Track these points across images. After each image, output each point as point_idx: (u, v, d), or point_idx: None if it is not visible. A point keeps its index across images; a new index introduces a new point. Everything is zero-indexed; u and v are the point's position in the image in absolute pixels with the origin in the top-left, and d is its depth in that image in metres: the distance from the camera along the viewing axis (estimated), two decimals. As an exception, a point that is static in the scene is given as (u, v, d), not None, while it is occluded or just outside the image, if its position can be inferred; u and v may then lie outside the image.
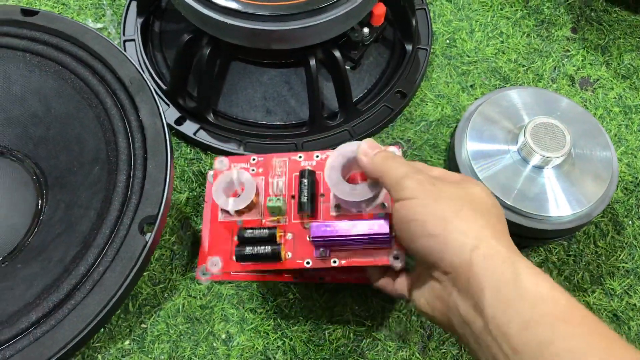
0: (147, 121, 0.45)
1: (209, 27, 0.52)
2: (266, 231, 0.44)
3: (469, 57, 0.65)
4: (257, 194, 0.46)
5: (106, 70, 0.47)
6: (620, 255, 0.56)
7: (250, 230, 0.44)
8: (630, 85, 0.65)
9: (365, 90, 0.61)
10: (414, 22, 0.62)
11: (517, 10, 0.69)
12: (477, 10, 0.69)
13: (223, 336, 0.51)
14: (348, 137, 0.59)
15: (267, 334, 0.51)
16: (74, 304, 0.39)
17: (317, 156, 0.47)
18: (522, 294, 0.32)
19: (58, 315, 0.38)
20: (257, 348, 0.51)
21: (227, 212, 0.45)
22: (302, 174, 0.45)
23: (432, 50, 0.65)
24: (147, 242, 0.41)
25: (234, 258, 0.44)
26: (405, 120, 0.62)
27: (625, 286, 0.54)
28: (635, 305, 0.53)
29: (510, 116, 0.54)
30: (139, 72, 0.47)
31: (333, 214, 0.44)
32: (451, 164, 0.55)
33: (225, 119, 0.60)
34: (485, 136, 0.54)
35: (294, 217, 0.45)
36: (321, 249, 0.43)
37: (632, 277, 0.55)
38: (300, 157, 0.47)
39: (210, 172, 0.46)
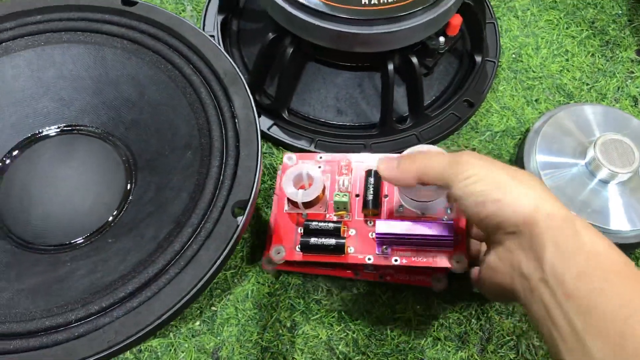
0: (240, 112, 0.47)
1: (295, 27, 0.55)
2: (331, 225, 0.46)
3: (534, 72, 0.67)
4: (323, 189, 0.47)
5: (201, 61, 0.50)
6: (678, 274, 0.57)
7: (316, 223, 0.46)
8: (693, 109, 0.66)
9: (434, 97, 0.63)
10: (484, 35, 0.64)
11: (582, 30, 0.71)
12: (543, 27, 0.70)
13: (289, 324, 0.53)
14: (415, 141, 0.61)
15: (331, 325, 0.53)
16: (169, 278, 0.41)
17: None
18: (580, 247, 0.34)
19: (154, 287, 0.40)
20: (320, 338, 0.53)
21: (294, 204, 0.47)
22: (368, 173, 0.48)
23: (499, 64, 0.67)
24: (238, 225, 0.43)
25: (298, 248, 0.46)
26: (471, 129, 0.63)
27: (682, 304, 0.55)
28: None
29: (581, 130, 0.56)
30: (233, 65, 0.49)
31: (397, 215, 0.46)
32: (518, 173, 0.57)
33: (298, 116, 0.62)
34: (554, 148, 0.55)
35: (357, 215, 0.47)
36: (384, 247, 0.45)
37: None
38: (363, 160, 0.49)
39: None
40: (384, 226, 0.44)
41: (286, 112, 0.61)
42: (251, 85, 0.60)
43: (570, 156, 0.55)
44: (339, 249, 0.45)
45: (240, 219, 0.43)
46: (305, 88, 0.62)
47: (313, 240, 0.45)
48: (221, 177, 0.45)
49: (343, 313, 0.54)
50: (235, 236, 0.42)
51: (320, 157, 0.51)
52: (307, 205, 0.47)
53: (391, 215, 0.47)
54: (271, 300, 0.54)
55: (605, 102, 0.66)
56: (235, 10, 0.67)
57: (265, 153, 0.61)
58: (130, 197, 0.49)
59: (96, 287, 0.42)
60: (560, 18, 0.71)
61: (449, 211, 0.45)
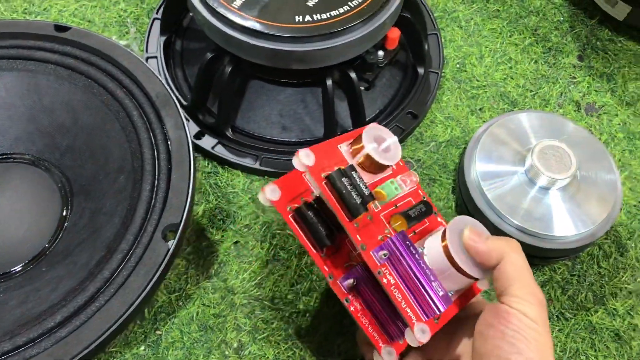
0: (172, 134, 0.47)
1: (232, 47, 0.55)
2: (368, 192, 0.40)
3: (478, 81, 0.68)
4: (385, 169, 0.44)
5: (133, 84, 0.50)
6: (623, 276, 0.57)
7: (359, 176, 0.41)
8: (634, 112, 0.67)
9: (378, 111, 0.63)
10: (426, 46, 0.64)
11: (525, 37, 0.71)
12: (487, 36, 0.71)
13: (235, 345, 0.53)
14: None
15: (278, 344, 0.53)
16: (98, 305, 0.40)
17: (436, 213, 0.46)
18: None
19: (82, 316, 0.40)
20: (267, 357, 0.52)
21: (355, 152, 0.42)
22: (424, 202, 0.45)
23: (442, 74, 0.67)
24: (169, 249, 0.42)
25: (324, 175, 0.40)
26: (416, 141, 0.64)
27: (627, 307, 0.56)
28: (637, 325, 0.55)
29: (519, 138, 0.56)
30: (165, 87, 0.49)
31: (419, 249, 0.42)
32: (460, 183, 0.57)
33: (243, 134, 0.62)
34: (493, 157, 0.56)
35: (384, 214, 0.43)
36: (383, 252, 0.40)
37: (634, 298, 0.56)
38: (424, 197, 0.47)
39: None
40: (406, 239, 0.40)
41: (230, 130, 0.60)
42: (193, 105, 0.60)
43: (510, 164, 0.55)
44: (355, 211, 0.39)
45: (172, 243, 0.43)
46: (249, 106, 0.62)
47: (345, 181, 0.39)
48: (152, 201, 0.44)
49: (290, 330, 0.53)
50: (165, 261, 0.42)
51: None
52: (366, 163, 0.42)
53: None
54: (217, 322, 0.53)
55: (548, 108, 0.66)
56: (178, 31, 0.67)
57: (210, 172, 0.61)
58: (66, 224, 0.49)
59: (26, 318, 0.41)
60: (504, 26, 0.72)
61: (450, 294, 0.42)
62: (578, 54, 0.71)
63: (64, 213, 0.49)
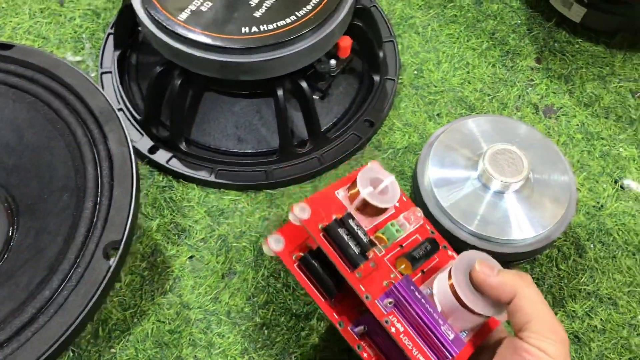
0: (115, 150, 0.47)
1: (180, 60, 0.55)
2: (367, 239, 0.40)
3: (435, 87, 0.68)
4: (386, 211, 0.44)
5: (77, 101, 0.49)
6: (581, 278, 0.57)
7: (357, 225, 0.40)
8: (592, 112, 0.67)
9: (335, 119, 0.63)
10: (381, 54, 0.64)
11: (482, 41, 0.72)
12: (444, 42, 0.71)
13: (191, 360, 0.52)
14: (317, 165, 0.61)
15: (235, 359, 0.52)
16: (37, 327, 0.40)
17: (445, 246, 0.46)
18: None
19: (21, 338, 0.39)
20: (225, 372, 0.52)
21: (352, 198, 0.42)
22: (430, 240, 0.44)
23: (400, 81, 0.67)
24: (110, 267, 0.42)
25: (321, 227, 0.40)
26: (374, 148, 0.64)
27: (586, 308, 0.56)
28: (596, 326, 0.55)
29: (471, 143, 0.56)
30: (109, 102, 0.49)
31: (422, 288, 0.42)
32: (415, 190, 0.57)
33: (198, 147, 0.61)
34: (446, 164, 0.55)
35: (388, 257, 0.43)
36: (389, 300, 0.39)
37: (593, 299, 0.56)
38: (432, 232, 0.46)
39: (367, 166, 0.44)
40: (410, 284, 0.39)
41: (184, 143, 0.60)
42: (146, 119, 0.60)
43: (463, 170, 0.55)
44: (354, 262, 0.39)
45: (113, 260, 0.42)
46: (204, 118, 0.61)
47: (342, 231, 0.39)
48: (94, 219, 0.44)
49: (247, 344, 0.53)
50: (106, 279, 0.41)
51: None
52: (363, 207, 0.42)
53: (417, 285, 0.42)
54: (172, 338, 0.53)
55: (506, 112, 0.66)
56: (134, 45, 0.67)
57: (165, 186, 0.60)
58: (11, 244, 0.48)
59: (-33, 342, 0.40)
60: (461, 31, 0.72)
61: (463, 334, 0.41)
62: (536, 56, 0.71)
63: (10, 233, 0.48)
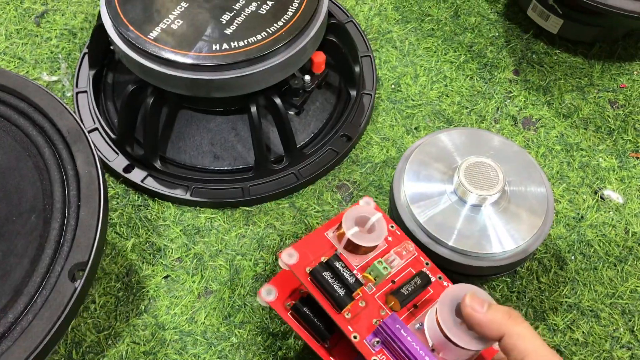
0: (82, 170, 0.46)
1: (152, 78, 0.54)
2: (353, 279, 0.41)
3: (413, 100, 0.67)
4: (373, 249, 0.45)
5: (46, 121, 0.49)
6: (563, 290, 0.56)
7: (343, 266, 0.41)
8: (571, 124, 0.67)
9: (312, 135, 0.63)
10: (357, 68, 0.64)
11: (460, 54, 0.72)
12: (422, 55, 0.71)
13: (166, 382, 0.51)
14: (295, 180, 0.60)
15: (211, 379, 0.51)
16: (0, 352, 0.39)
17: (440, 277, 0.46)
18: None
19: (-16, 364, 0.38)
20: (200, 394, 0.51)
21: (339, 238, 0.44)
22: (421, 273, 0.44)
23: (377, 95, 0.67)
24: (76, 289, 0.41)
25: (308, 270, 0.41)
26: (352, 163, 0.63)
27: (568, 321, 0.55)
28: (577, 340, 0.54)
29: (445, 158, 0.56)
30: (77, 122, 0.48)
31: (410, 327, 0.42)
32: (392, 205, 0.56)
33: (174, 165, 0.61)
34: (422, 178, 0.55)
35: (379, 296, 0.43)
36: (376, 339, 0.40)
37: (574, 311, 0.55)
38: (427, 263, 0.46)
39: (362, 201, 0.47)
40: (396, 323, 0.40)
41: (159, 161, 0.60)
42: (120, 138, 0.59)
43: (439, 184, 0.55)
44: (340, 304, 0.40)
45: (79, 282, 0.41)
46: (180, 136, 0.61)
47: (327, 274, 0.40)
48: (61, 240, 0.43)
49: (223, 365, 0.52)
50: (72, 301, 0.41)
51: (392, 227, 0.48)
52: (350, 246, 0.44)
53: (405, 324, 0.42)
54: None
55: (484, 124, 0.66)
56: (110, 64, 0.67)
57: (140, 205, 0.59)
58: (-21, 268, 0.47)
59: None
60: (439, 45, 0.72)
61: None
62: (514, 68, 0.71)
63: (-21, 256, 0.48)
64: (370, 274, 0.43)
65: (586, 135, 0.66)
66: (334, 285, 0.40)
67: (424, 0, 0.76)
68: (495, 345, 0.40)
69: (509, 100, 0.68)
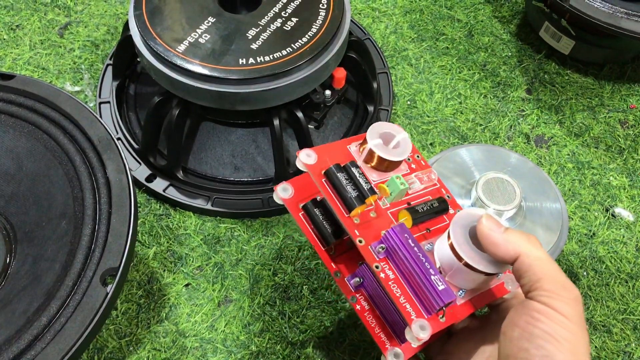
0: (113, 178, 0.47)
1: (178, 90, 0.56)
2: (368, 186, 0.39)
3: (428, 117, 0.69)
4: (397, 166, 0.43)
5: (76, 130, 0.50)
6: (575, 305, 0.57)
7: (359, 172, 0.40)
8: (582, 142, 0.68)
9: (330, 148, 0.64)
10: (375, 84, 0.66)
11: (474, 73, 0.73)
12: (437, 73, 0.73)
13: (186, 389, 0.52)
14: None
15: (230, 387, 0.52)
16: (34, 354, 0.40)
17: (459, 211, 0.43)
18: None
19: (18, 365, 0.39)
20: (220, 401, 0.52)
21: (361, 151, 0.42)
22: (439, 198, 0.43)
23: (393, 111, 0.69)
24: (107, 294, 0.42)
25: (323, 172, 0.40)
26: (368, 177, 0.64)
27: (580, 336, 0.56)
28: (590, 355, 0.55)
29: (463, 172, 0.57)
30: (108, 131, 0.49)
31: (427, 245, 0.41)
32: (409, 217, 0.58)
33: (195, 176, 0.62)
34: (440, 191, 0.56)
35: (392, 210, 0.41)
36: (381, 246, 0.38)
37: (587, 326, 0.56)
38: (448, 196, 0.45)
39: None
40: (404, 232, 0.38)
41: (181, 172, 0.61)
42: (144, 148, 0.61)
43: (457, 198, 0.56)
44: (350, 205, 0.38)
45: (110, 287, 0.42)
46: (202, 147, 0.62)
47: (342, 175, 0.39)
48: (92, 246, 0.44)
49: (242, 373, 0.53)
50: (104, 306, 0.42)
51: (417, 157, 0.46)
52: (371, 158, 0.42)
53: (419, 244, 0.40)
54: (168, 366, 0.53)
55: (498, 142, 0.68)
56: (132, 76, 0.68)
57: (162, 215, 0.60)
58: (8, 271, 0.48)
59: (-38, 370, 0.40)
60: (453, 63, 0.74)
61: (460, 293, 0.39)
62: (526, 87, 0.73)
63: (8, 260, 0.49)
64: (387, 187, 0.41)
65: (597, 154, 0.68)
66: (347, 187, 0.39)
67: (438, 19, 0.78)
68: (510, 287, 0.40)
69: (521, 119, 0.70)
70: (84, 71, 0.70)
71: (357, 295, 0.42)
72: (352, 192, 0.39)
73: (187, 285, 0.57)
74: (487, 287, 0.41)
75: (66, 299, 0.42)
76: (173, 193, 0.61)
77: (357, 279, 0.41)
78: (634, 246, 0.61)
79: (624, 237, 0.62)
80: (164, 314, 0.55)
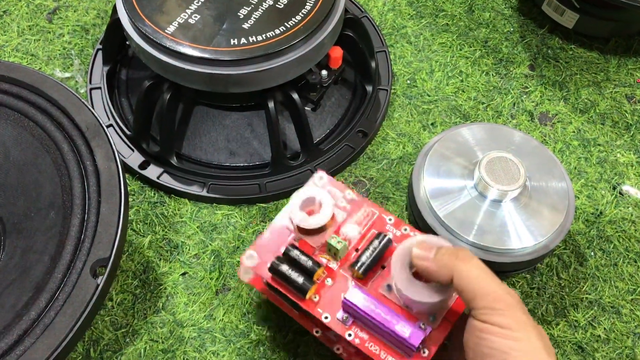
0: (102, 165, 0.46)
1: (169, 73, 0.54)
2: (310, 263, 0.42)
3: (429, 96, 0.67)
4: (328, 226, 0.44)
5: (64, 116, 0.48)
6: (583, 286, 0.56)
7: (297, 253, 0.42)
8: (588, 119, 0.66)
9: (328, 131, 0.62)
10: (373, 64, 0.64)
11: (475, 49, 0.71)
12: (437, 51, 0.71)
13: (185, 380, 0.51)
14: (310, 176, 0.60)
15: (230, 377, 0.51)
16: (24, 349, 0.39)
17: (406, 229, 0.45)
18: None
19: (7, 361, 0.38)
20: (219, 391, 0.50)
21: (291, 222, 0.44)
22: (378, 235, 0.43)
23: (393, 91, 0.67)
24: (98, 285, 0.41)
25: (267, 266, 0.42)
26: (368, 159, 0.63)
27: (589, 317, 0.54)
28: (599, 336, 0.53)
29: (465, 152, 0.55)
30: (96, 117, 0.48)
31: (381, 291, 0.42)
32: (411, 201, 0.56)
33: (189, 162, 0.60)
34: (442, 173, 0.54)
35: (344, 269, 0.43)
36: (345, 315, 0.41)
37: (595, 308, 0.55)
38: (390, 219, 0.46)
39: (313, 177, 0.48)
40: (355, 294, 0.40)
41: (175, 158, 0.59)
42: (136, 134, 0.59)
43: (459, 179, 0.54)
44: (302, 291, 0.41)
45: (101, 279, 0.41)
46: (195, 132, 0.60)
47: (284, 267, 0.41)
48: (82, 236, 0.43)
49: (242, 362, 0.51)
50: (94, 298, 0.40)
51: (349, 194, 0.47)
52: (304, 231, 0.44)
53: (375, 288, 0.42)
54: (166, 357, 0.51)
55: (501, 120, 0.66)
56: (124, 60, 0.66)
57: (156, 202, 0.59)
58: (-2, 264, 0.47)
59: (-50, 367, 0.39)
60: (454, 40, 0.72)
61: (431, 319, 0.41)
62: (529, 63, 0.71)
63: (-3, 253, 0.47)
64: (329, 251, 0.43)
65: (603, 131, 0.66)
66: (292, 275, 0.41)
67: (438, -5, 0.76)
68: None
69: (525, 96, 0.68)
70: (74, 57, 0.68)
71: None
72: (298, 279, 0.41)
73: (183, 274, 0.55)
74: (452, 302, 0.42)
75: (55, 291, 0.41)
76: (167, 180, 0.59)
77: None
78: (642, 224, 0.59)
79: (632, 215, 0.60)
80: (161, 304, 0.54)
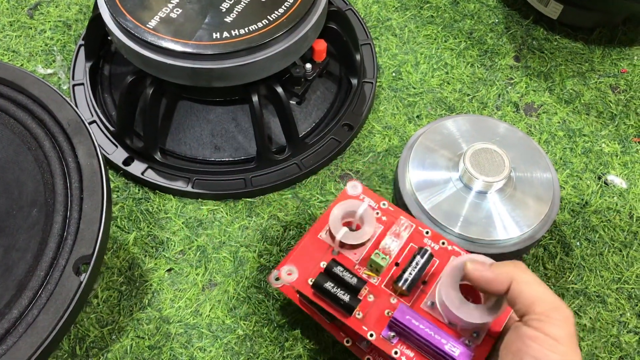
0: (84, 162, 0.45)
1: (151, 68, 0.53)
2: (355, 280, 0.41)
3: (414, 88, 0.67)
4: (369, 239, 0.44)
5: (45, 113, 0.48)
6: (569, 276, 0.56)
7: (342, 269, 0.42)
8: (573, 109, 0.67)
9: (313, 124, 0.62)
10: (358, 57, 0.64)
11: (460, 41, 0.71)
12: (422, 43, 0.71)
13: (172, 376, 0.51)
14: (297, 171, 0.59)
15: (217, 372, 0.51)
16: (6, 348, 0.38)
17: (444, 243, 0.45)
18: None
19: (-11, 360, 0.38)
20: (207, 387, 0.50)
21: (331, 235, 0.44)
22: (420, 250, 0.43)
23: (378, 84, 0.67)
24: (81, 282, 0.40)
25: (310, 282, 0.42)
26: (354, 152, 0.63)
27: (574, 307, 0.55)
28: (585, 325, 0.54)
29: (450, 144, 0.55)
30: (78, 114, 0.47)
31: (424, 308, 0.42)
32: (397, 194, 0.56)
33: (174, 157, 0.60)
34: (427, 165, 0.54)
35: (386, 284, 0.43)
36: (391, 333, 0.41)
37: (581, 297, 0.55)
38: (427, 232, 0.45)
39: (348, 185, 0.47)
40: (405, 314, 0.40)
41: (159, 153, 0.59)
42: (119, 130, 0.59)
43: (444, 171, 0.54)
44: (348, 309, 0.41)
45: (84, 276, 0.41)
46: (179, 127, 0.60)
47: (329, 284, 0.41)
48: (64, 234, 0.42)
49: (229, 358, 0.51)
50: (77, 295, 0.40)
51: (384, 204, 0.46)
52: (343, 245, 0.44)
53: (417, 304, 0.42)
54: (152, 354, 0.51)
55: (487, 111, 0.66)
56: (107, 56, 0.65)
57: (141, 198, 0.59)
58: (-20, 264, 0.46)
59: None
60: (438, 32, 0.72)
61: (474, 335, 0.40)
62: (514, 54, 0.71)
63: (-21, 253, 0.47)
64: (371, 267, 0.43)
65: (588, 121, 0.66)
66: (338, 293, 0.41)
67: (422, -13, 0.75)
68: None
69: (510, 87, 0.68)
70: (56, 53, 0.68)
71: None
72: (344, 297, 0.40)
73: (169, 270, 0.55)
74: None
75: (38, 289, 0.41)
76: (152, 176, 0.59)
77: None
78: (627, 214, 0.60)
79: (617, 205, 0.60)
80: (147, 301, 0.54)
